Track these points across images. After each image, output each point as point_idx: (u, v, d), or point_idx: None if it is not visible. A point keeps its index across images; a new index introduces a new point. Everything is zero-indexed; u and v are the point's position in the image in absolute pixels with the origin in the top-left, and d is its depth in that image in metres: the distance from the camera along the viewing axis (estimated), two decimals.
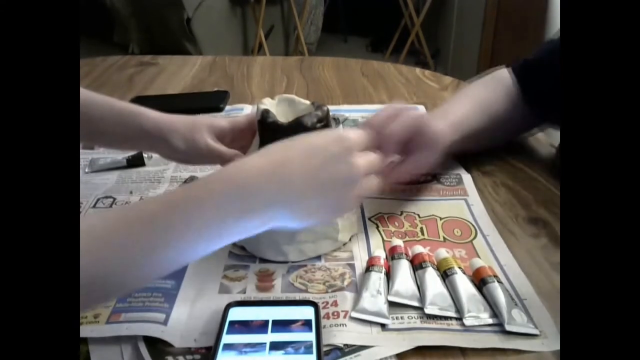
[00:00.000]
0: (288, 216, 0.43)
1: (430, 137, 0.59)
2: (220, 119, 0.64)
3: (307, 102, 0.58)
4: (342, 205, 0.46)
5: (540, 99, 0.70)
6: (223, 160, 0.60)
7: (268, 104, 0.57)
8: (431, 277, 0.50)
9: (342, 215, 0.54)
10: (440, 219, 0.61)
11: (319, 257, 0.55)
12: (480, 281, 0.49)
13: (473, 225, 0.60)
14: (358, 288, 0.50)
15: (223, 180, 0.41)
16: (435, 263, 0.52)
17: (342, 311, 0.47)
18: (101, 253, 0.37)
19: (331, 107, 0.57)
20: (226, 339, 0.43)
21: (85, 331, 0.44)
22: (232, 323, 0.45)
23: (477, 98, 0.72)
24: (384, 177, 0.50)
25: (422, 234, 0.59)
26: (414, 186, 0.67)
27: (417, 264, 0.52)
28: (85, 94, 0.63)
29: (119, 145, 0.68)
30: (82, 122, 0.61)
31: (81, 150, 0.80)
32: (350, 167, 0.44)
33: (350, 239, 0.58)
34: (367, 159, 0.46)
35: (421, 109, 0.96)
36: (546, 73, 0.68)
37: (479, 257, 0.54)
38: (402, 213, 0.63)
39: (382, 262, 0.52)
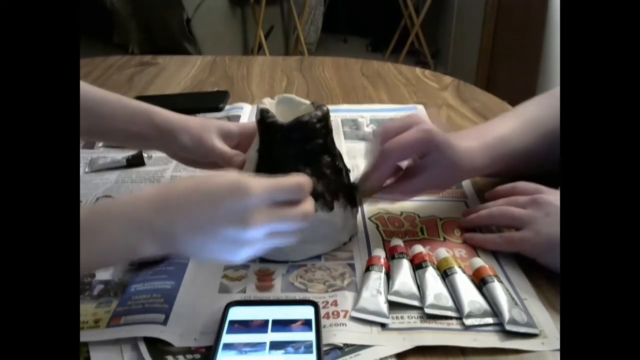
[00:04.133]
0: (182, 247, 0.43)
1: (448, 157, 0.55)
2: (230, 123, 0.66)
3: (307, 102, 0.58)
4: (226, 255, 0.44)
5: None
6: (224, 159, 0.61)
7: (268, 104, 0.57)
8: (431, 276, 0.50)
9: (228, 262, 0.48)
10: (440, 219, 0.61)
11: (319, 257, 0.55)
12: (480, 281, 0.49)
13: None
14: (358, 288, 0.50)
15: (117, 211, 0.43)
16: (435, 263, 0.52)
17: (342, 311, 0.47)
18: None
19: (331, 107, 0.57)
20: (226, 338, 0.43)
21: (86, 336, 0.44)
22: (232, 322, 0.45)
23: (525, 116, 0.65)
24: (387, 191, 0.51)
25: (422, 233, 0.59)
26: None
27: (417, 264, 0.52)
28: (96, 91, 0.64)
29: (129, 143, 0.69)
30: (94, 119, 0.62)
31: (81, 150, 0.80)
32: (243, 223, 0.42)
33: (350, 239, 0.58)
34: (267, 215, 0.43)
35: (420, 108, 0.96)
36: None
37: (479, 256, 0.54)
38: (402, 213, 0.63)
39: (382, 261, 0.52)
